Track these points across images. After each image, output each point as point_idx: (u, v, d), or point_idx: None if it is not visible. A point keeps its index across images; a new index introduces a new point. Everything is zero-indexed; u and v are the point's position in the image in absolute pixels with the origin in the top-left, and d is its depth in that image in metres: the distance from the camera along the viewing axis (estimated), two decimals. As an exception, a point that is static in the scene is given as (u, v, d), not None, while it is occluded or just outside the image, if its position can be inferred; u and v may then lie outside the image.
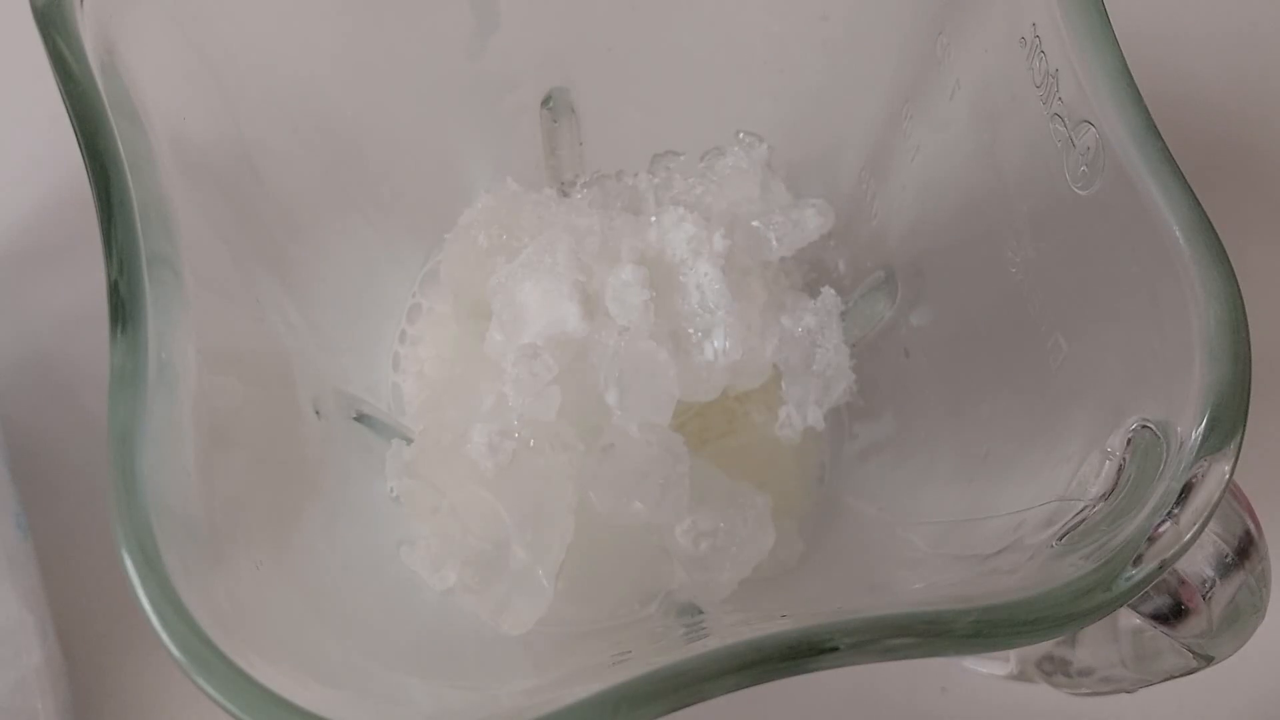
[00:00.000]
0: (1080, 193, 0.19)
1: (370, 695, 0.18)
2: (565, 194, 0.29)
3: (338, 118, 0.26)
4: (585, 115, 0.29)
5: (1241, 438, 0.16)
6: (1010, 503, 0.20)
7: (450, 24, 0.26)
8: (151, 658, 0.27)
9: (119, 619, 0.28)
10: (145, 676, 0.28)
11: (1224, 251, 0.17)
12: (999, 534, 0.19)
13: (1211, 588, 0.19)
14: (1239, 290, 0.16)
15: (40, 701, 0.26)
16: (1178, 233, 0.17)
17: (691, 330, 0.24)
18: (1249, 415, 0.16)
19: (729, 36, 0.27)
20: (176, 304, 0.18)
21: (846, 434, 0.28)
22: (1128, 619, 0.21)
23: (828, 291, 0.26)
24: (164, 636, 0.15)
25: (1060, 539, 0.17)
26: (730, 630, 0.19)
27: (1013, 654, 0.25)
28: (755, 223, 0.26)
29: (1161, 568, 0.16)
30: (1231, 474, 0.16)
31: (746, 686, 0.15)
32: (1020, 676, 0.25)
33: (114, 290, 0.17)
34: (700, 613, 0.24)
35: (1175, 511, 0.16)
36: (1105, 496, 0.17)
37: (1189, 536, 0.16)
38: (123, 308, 0.17)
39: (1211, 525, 0.16)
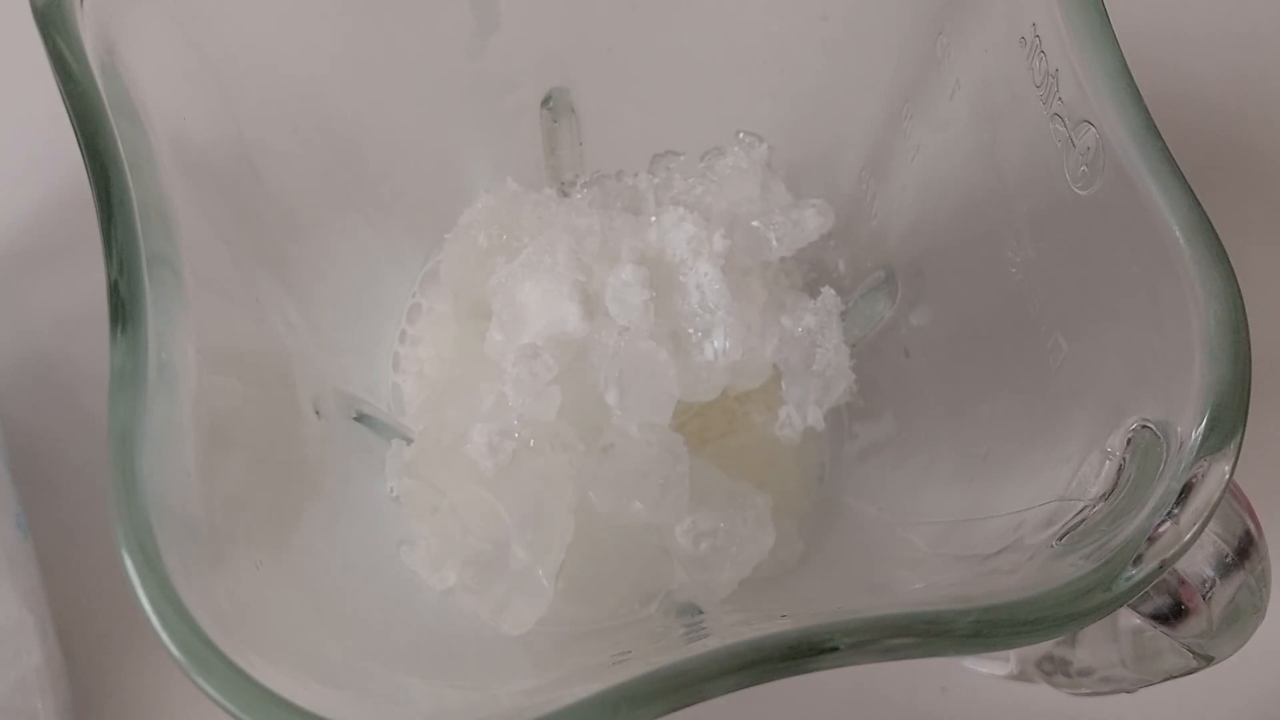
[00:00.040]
0: (1080, 193, 0.19)
1: (370, 695, 0.18)
2: (565, 194, 0.29)
3: (338, 118, 0.26)
4: (585, 115, 0.29)
5: (1241, 438, 0.16)
6: (1010, 503, 0.20)
7: (450, 24, 0.26)
8: (151, 658, 0.27)
9: (119, 619, 0.28)
10: (145, 676, 0.28)
11: (1224, 251, 0.17)
12: (999, 534, 0.19)
13: (1211, 588, 0.19)
14: (1239, 290, 0.16)
15: (40, 701, 0.26)
16: (1178, 233, 0.17)
17: (691, 330, 0.24)
18: (1249, 415, 0.16)
19: (729, 36, 0.27)
20: (176, 304, 0.18)
21: (846, 434, 0.28)
22: (1128, 619, 0.21)
23: (828, 291, 0.26)
24: (164, 636, 0.15)
25: (1060, 539, 0.17)
26: (730, 630, 0.19)
27: (1013, 654, 0.25)
28: (755, 223, 0.26)
29: (1161, 568, 0.16)
30: (1231, 474, 0.16)
31: (746, 686, 0.15)
32: (1020, 676, 0.25)
33: (114, 290, 0.17)
34: (700, 613, 0.24)
35: (1175, 511, 0.16)
36: (1105, 496, 0.17)
37: (1189, 536, 0.16)
38: (123, 308, 0.17)
39: (1211, 525, 0.16)
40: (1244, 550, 0.19)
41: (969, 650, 0.15)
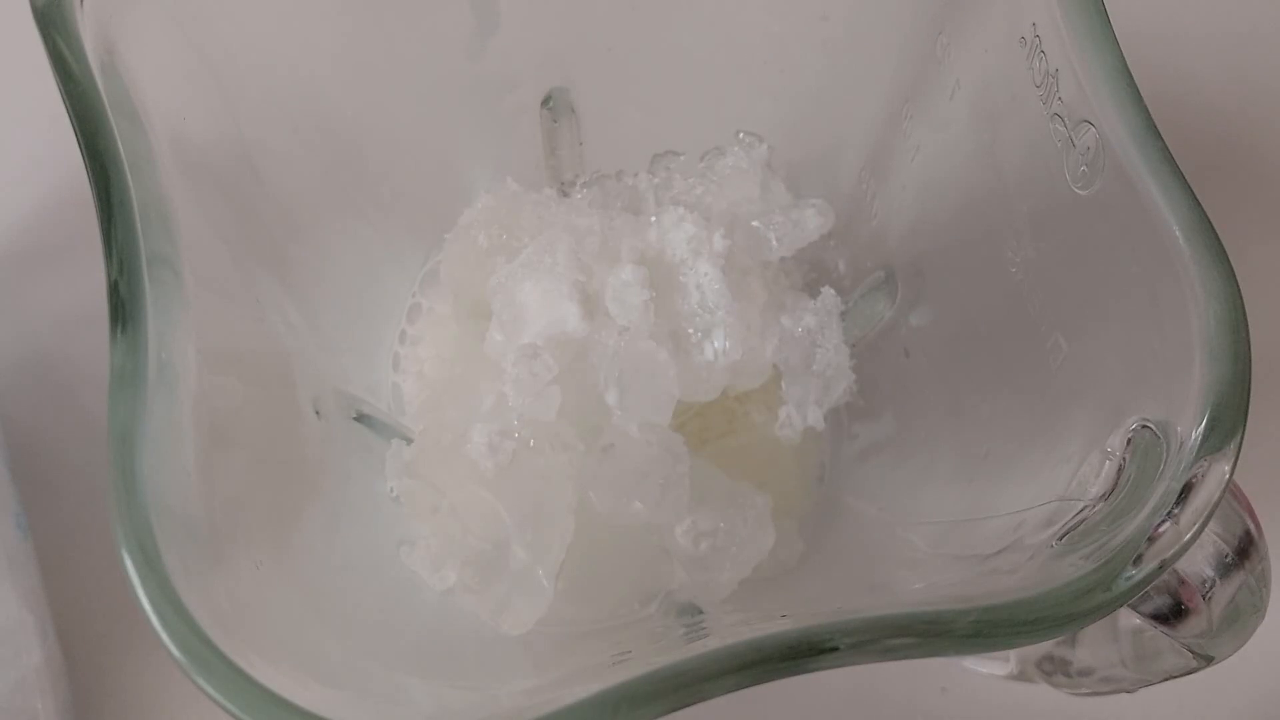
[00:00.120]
0: (1080, 193, 0.19)
1: (370, 695, 0.18)
2: (565, 194, 0.29)
3: (338, 118, 0.26)
4: (585, 115, 0.29)
5: (1241, 438, 0.16)
6: (1010, 503, 0.20)
7: (450, 24, 0.26)
8: (151, 658, 0.27)
9: (119, 619, 0.28)
10: (145, 676, 0.28)
11: (1224, 251, 0.17)
12: (999, 534, 0.19)
13: (1211, 588, 0.19)
14: (1239, 290, 0.16)
15: (40, 701, 0.26)
16: (1178, 233, 0.17)
17: (691, 330, 0.24)
18: (1249, 415, 0.16)
19: (729, 36, 0.27)
20: (176, 304, 0.18)
21: (846, 434, 0.28)
22: (1128, 619, 0.21)
23: (828, 291, 0.26)
24: (164, 636, 0.15)
25: (1060, 539, 0.17)
26: (730, 630, 0.19)
27: (1013, 654, 0.25)
28: (755, 223, 0.26)
29: (1161, 568, 0.16)
30: (1231, 474, 0.16)
31: (746, 686, 0.15)
32: (1020, 676, 0.25)
33: (114, 290, 0.17)
34: (700, 613, 0.24)
35: (1175, 511, 0.16)
36: (1105, 496, 0.17)
37: (1189, 536, 0.16)
38: (123, 308, 0.17)
39: (1211, 525, 0.16)
40: (1244, 550, 0.19)
41: (969, 650, 0.15)
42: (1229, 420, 0.16)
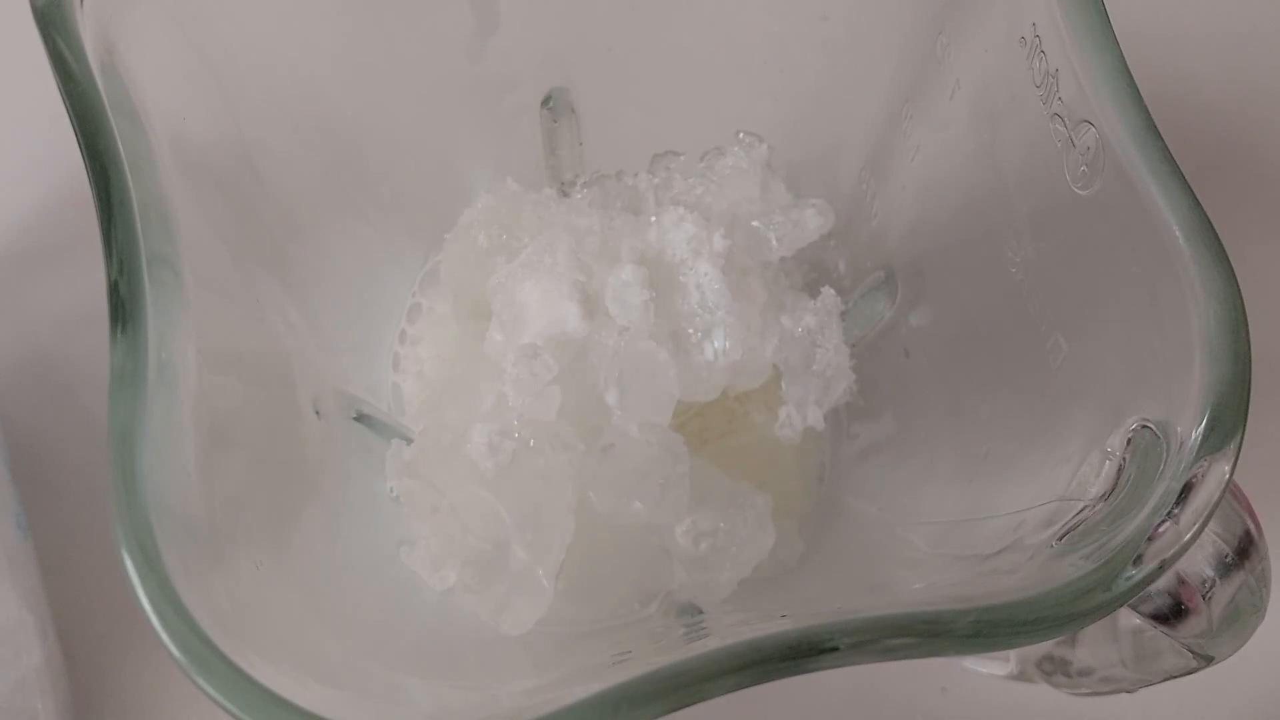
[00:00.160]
0: (1080, 193, 0.19)
1: (370, 695, 0.18)
2: (565, 194, 0.29)
3: (338, 118, 0.26)
4: (585, 115, 0.29)
5: (1241, 438, 0.16)
6: (1010, 503, 0.20)
7: (450, 24, 0.26)
8: (151, 658, 0.27)
9: (119, 619, 0.28)
10: (145, 676, 0.28)
11: (1224, 251, 0.17)
12: (999, 534, 0.19)
13: (1211, 588, 0.19)
14: (1239, 290, 0.16)
15: (40, 701, 0.26)
16: (1178, 233, 0.17)
17: (691, 330, 0.24)
18: (1249, 415, 0.16)
19: (729, 36, 0.27)
20: (176, 304, 0.18)
21: (846, 434, 0.28)
22: (1128, 619, 0.21)
23: (828, 291, 0.26)
24: (164, 636, 0.15)
25: (1060, 539, 0.17)
26: (730, 630, 0.19)
27: (1013, 654, 0.25)
28: (755, 223, 0.26)
29: (1161, 568, 0.16)
30: (1231, 474, 0.16)
31: (746, 686, 0.15)
32: (1020, 676, 0.25)
33: (114, 290, 0.17)
34: (700, 613, 0.24)
35: (1175, 511, 0.16)
36: (1105, 496, 0.17)
37: (1189, 536, 0.16)
38: (123, 308, 0.17)
39: (1211, 525, 0.16)
40: (1244, 550, 0.19)
41: (969, 650, 0.15)
42: (1229, 420, 0.16)
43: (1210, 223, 0.17)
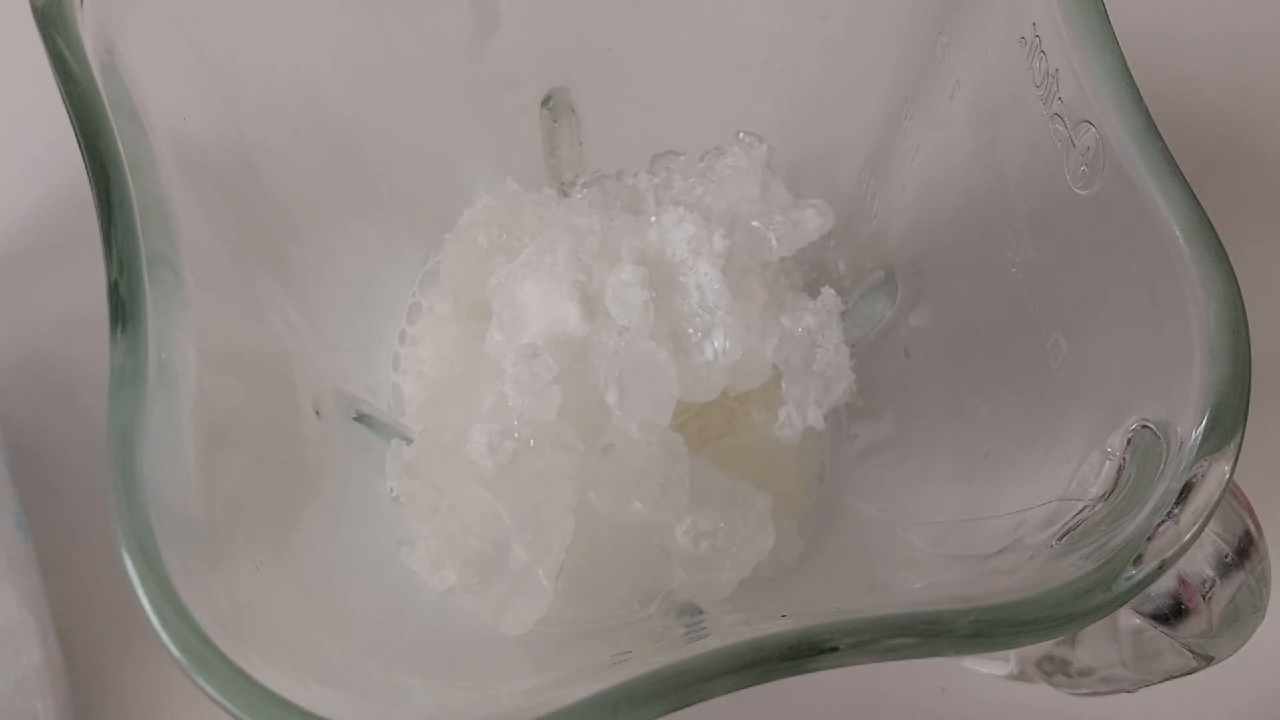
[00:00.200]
0: (1080, 193, 0.19)
1: (370, 695, 0.18)
2: (565, 194, 0.29)
3: (338, 118, 0.26)
4: (585, 115, 0.29)
5: (1241, 438, 0.16)
6: (1010, 503, 0.20)
7: (450, 24, 0.26)
8: (151, 658, 0.27)
9: (119, 619, 0.28)
10: (145, 676, 0.28)
11: (1224, 251, 0.17)
12: (999, 534, 0.19)
13: (1211, 588, 0.19)
14: (1239, 290, 0.16)
15: (40, 701, 0.26)
16: (1178, 233, 0.17)
17: (691, 330, 0.24)
18: (1249, 415, 0.16)
19: (729, 36, 0.27)
20: (176, 304, 0.18)
21: (846, 434, 0.28)
22: (1128, 619, 0.21)
23: (828, 291, 0.26)
24: (164, 636, 0.15)
25: (1060, 539, 0.17)
26: (730, 630, 0.19)
27: (1013, 654, 0.25)
28: (755, 223, 0.26)
29: (1161, 568, 0.16)
30: (1231, 474, 0.16)
31: (746, 686, 0.15)
32: (1020, 676, 0.25)
33: (114, 290, 0.17)
34: (700, 613, 0.24)
35: (1175, 511, 0.16)
36: (1105, 496, 0.17)
37: (1189, 536, 0.16)
38: (123, 308, 0.17)
39: (1211, 525, 0.16)
40: (1244, 550, 0.19)
41: (969, 650, 0.15)
42: (1229, 420, 0.16)
43: (1210, 223, 0.17)
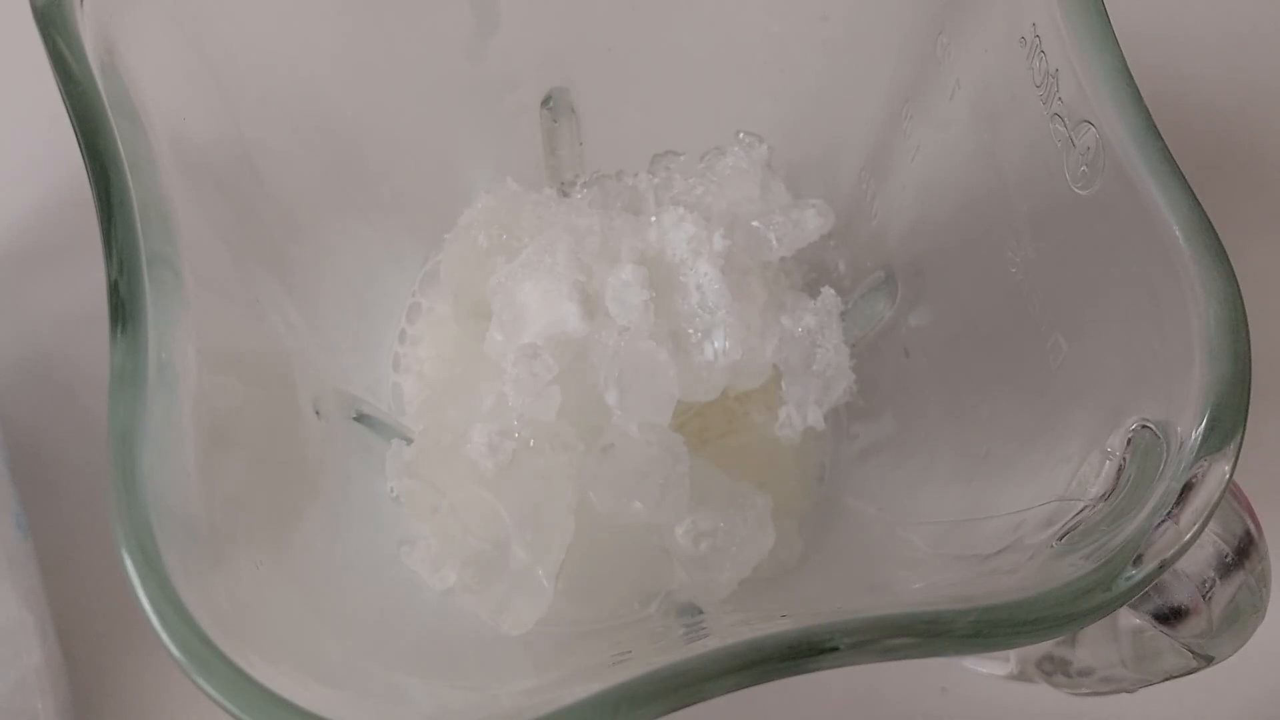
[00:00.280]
0: (1080, 193, 0.19)
1: (370, 695, 0.18)
2: (565, 194, 0.29)
3: (338, 118, 0.26)
4: (585, 115, 0.29)
5: (1241, 438, 0.16)
6: (1010, 503, 0.20)
7: (450, 24, 0.26)
8: (151, 658, 0.27)
9: (119, 619, 0.28)
10: (145, 676, 0.28)
11: (1224, 251, 0.17)
12: (999, 534, 0.19)
13: (1211, 588, 0.19)
14: (1239, 290, 0.16)
15: (40, 701, 0.26)
16: (1178, 233, 0.17)
17: (691, 330, 0.24)
18: (1249, 415, 0.16)
19: (729, 36, 0.27)
20: (176, 304, 0.18)
21: (846, 434, 0.28)
22: (1128, 619, 0.21)
23: (828, 291, 0.26)
24: (164, 636, 0.15)
25: (1060, 539, 0.17)
26: (730, 630, 0.19)
27: (1013, 654, 0.25)
28: (755, 223, 0.26)
29: (1161, 568, 0.16)
30: (1231, 474, 0.16)
31: (746, 686, 0.15)
32: (1020, 676, 0.25)
33: (114, 290, 0.17)
34: (700, 613, 0.24)
35: (1175, 511, 0.16)
36: (1105, 496, 0.17)
37: (1189, 536, 0.16)
38: (123, 308, 0.17)
39: (1211, 525, 0.16)
40: (1244, 550, 0.19)
41: (969, 650, 0.15)
42: (1229, 420, 0.16)
43: (1210, 223, 0.17)
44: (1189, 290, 0.17)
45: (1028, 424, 0.22)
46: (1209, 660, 0.20)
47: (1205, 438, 0.16)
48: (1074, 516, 0.18)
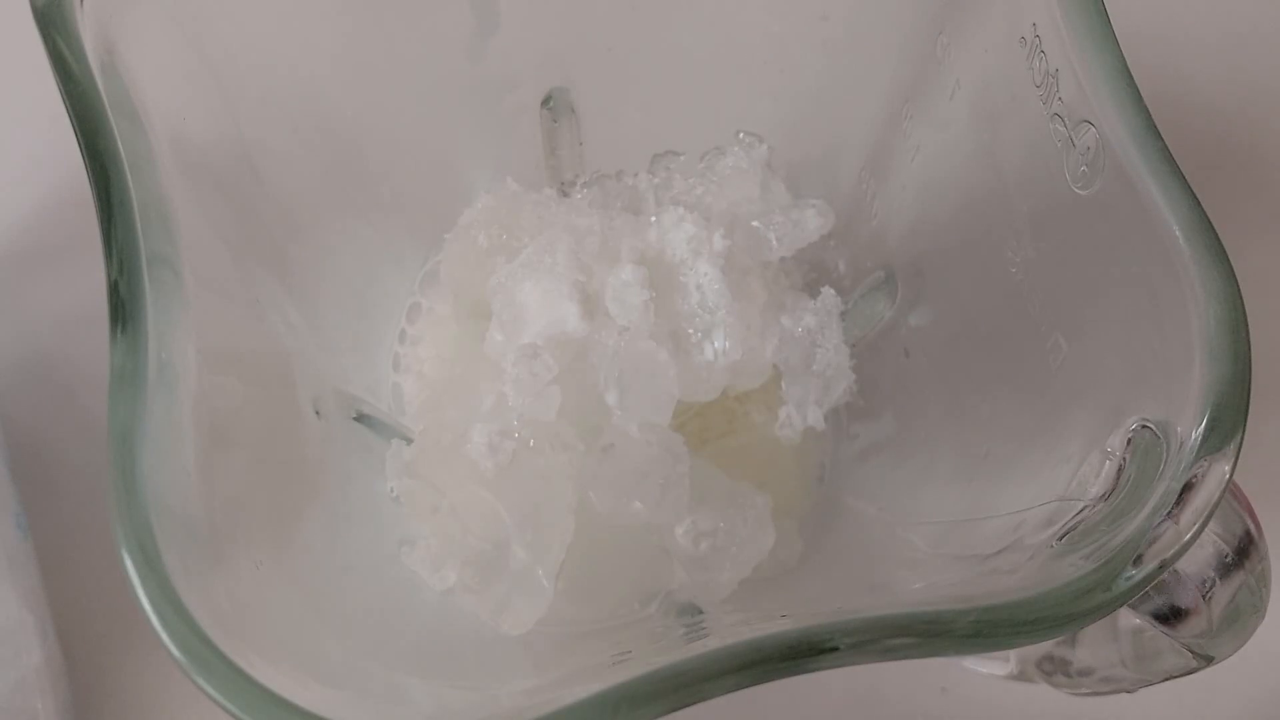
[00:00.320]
0: (1080, 193, 0.19)
1: (370, 695, 0.18)
2: (565, 194, 0.29)
3: (338, 118, 0.26)
4: (585, 115, 0.29)
5: (1241, 438, 0.16)
6: (1010, 503, 0.20)
7: (450, 24, 0.26)
8: (151, 658, 0.27)
9: (119, 619, 0.28)
10: (145, 676, 0.28)
11: (1224, 251, 0.17)
12: (999, 534, 0.19)
13: (1211, 588, 0.19)
14: (1239, 290, 0.16)
15: (40, 701, 0.26)
16: (1178, 233, 0.17)
17: (691, 330, 0.24)
18: (1249, 415, 0.16)
19: (729, 36, 0.27)
20: (176, 304, 0.18)
21: (846, 434, 0.28)
22: (1128, 619, 0.21)
23: (828, 291, 0.26)
24: (164, 636, 0.15)
25: (1060, 539, 0.17)
26: (730, 630, 0.19)
27: (1013, 654, 0.25)
28: (755, 223, 0.26)
29: (1161, 568, 0.16)
30: (1231, 474, 0.16)
31: (746, 686, 0.15)
32: (1020, 676, 0.25)
33: (114, 290, 0.17)
34: (700, 613, 0.24)
35: (1175, 511, 0.16)
36: (1105, 496, 0.17)
37: (1189, 536, 0.16)
38: (123, 308, 0.17)
39: (1211, 525, 0.16)
40: (1244, 550, 0.19)
41: (969, 650, 0.15)
42: (1229, 420, 0.16)
43: (1210, 223, 0.17)
44: (1189, 290, 0.17)
45: (1028, 424, 0.22)
46: (1209, 660, 0.20)
47: (1205, 438, 0.16)
48: (1074, 516, 0.18)
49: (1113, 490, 0.17)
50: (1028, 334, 0.21)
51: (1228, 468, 0.16)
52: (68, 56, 0.18)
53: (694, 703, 0.15)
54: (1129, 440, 0.17)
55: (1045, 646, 0.24)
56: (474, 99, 0.28)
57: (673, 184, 0.28)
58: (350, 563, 0.24)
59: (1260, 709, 0.29)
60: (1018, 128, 0.21)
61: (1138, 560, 0.16)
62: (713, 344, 0.24)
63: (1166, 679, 0.21)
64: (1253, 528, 0.19)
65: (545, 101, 0.28)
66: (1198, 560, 0.19)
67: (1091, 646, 0.23)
